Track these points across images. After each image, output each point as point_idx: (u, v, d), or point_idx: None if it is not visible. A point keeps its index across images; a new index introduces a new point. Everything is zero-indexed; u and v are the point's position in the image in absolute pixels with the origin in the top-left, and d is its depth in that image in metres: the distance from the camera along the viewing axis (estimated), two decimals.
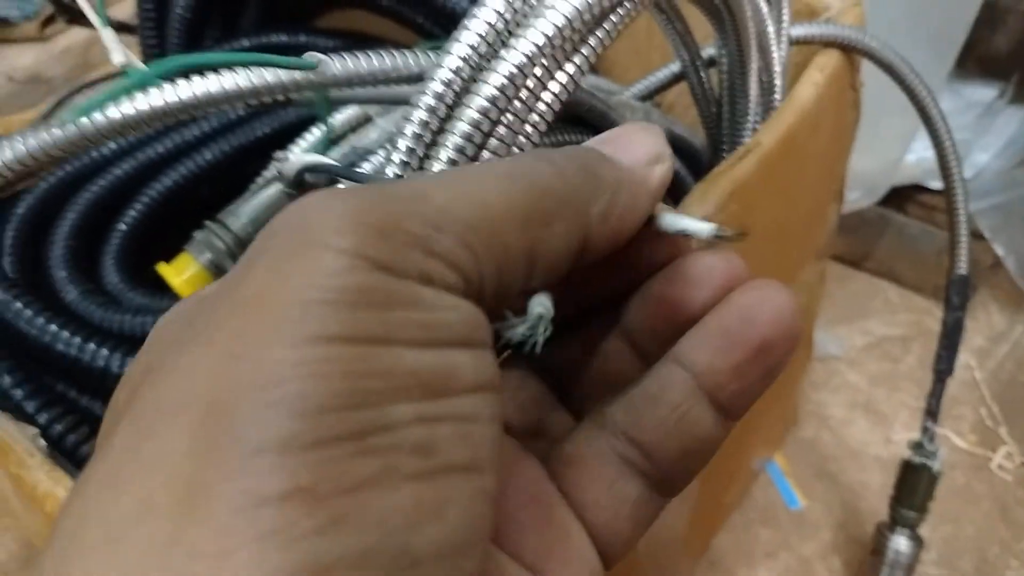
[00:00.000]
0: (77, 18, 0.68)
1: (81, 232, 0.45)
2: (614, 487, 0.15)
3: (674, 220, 0.16)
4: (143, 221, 0.47)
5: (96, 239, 0.46)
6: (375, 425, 0.10)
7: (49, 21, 1.06)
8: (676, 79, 0.36)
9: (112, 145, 0.50)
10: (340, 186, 0.16)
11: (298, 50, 0.55)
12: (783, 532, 0.53)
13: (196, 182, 0.47)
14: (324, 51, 0.56)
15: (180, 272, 0.32)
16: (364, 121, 0.34)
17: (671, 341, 0.15)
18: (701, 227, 0.15)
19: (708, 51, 0.35)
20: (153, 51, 0.57)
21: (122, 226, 0.47)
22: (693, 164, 0.36)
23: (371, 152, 0.30)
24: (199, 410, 0.10)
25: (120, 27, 0.77)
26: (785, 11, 0.32)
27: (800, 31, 0.35)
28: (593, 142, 0.16)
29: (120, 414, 0.11)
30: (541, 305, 0.14)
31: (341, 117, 0.34)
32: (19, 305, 0.39)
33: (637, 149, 0.16)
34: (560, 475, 0.15)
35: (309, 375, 0.10)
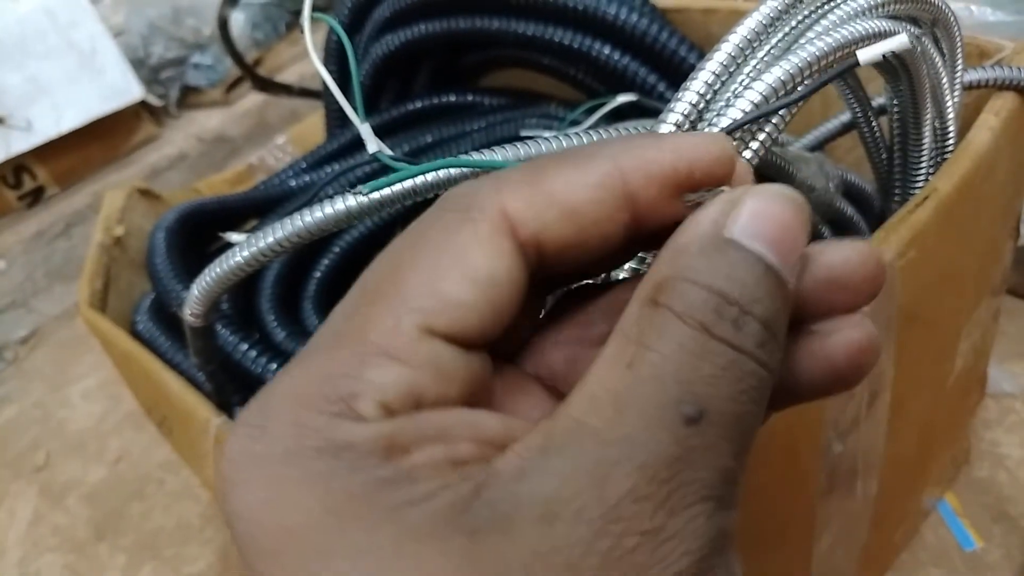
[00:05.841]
0: (265, 86, 0.76)
1: (283, 280, 0.52)
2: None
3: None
4: (334, 269, 0.53)
5: (296, 286, 0.52)
6: None
7: (233, 86, 1.19)
8: (846, 129, 0.38)
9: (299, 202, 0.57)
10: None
11: (467, 108, 0.60)
12: (957, 574, 0.51)
13: (386, 230, 0.52)
14: (492, 108, 0.60)
15: None
16: None
17: None
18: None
19: (878, 100, 0.36)
20: (336, 115, 0.64)
21: (317, 274, 0.53)
22: (866, 209, 0.37)
23: None
24: None
25: (291, 90, 0.86)
26: (959, 60, 0.33)
27: (973, 76, 0.35)
28: None
29: None
30: None
31: None
32: (245, 346, 0.45)
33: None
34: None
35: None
